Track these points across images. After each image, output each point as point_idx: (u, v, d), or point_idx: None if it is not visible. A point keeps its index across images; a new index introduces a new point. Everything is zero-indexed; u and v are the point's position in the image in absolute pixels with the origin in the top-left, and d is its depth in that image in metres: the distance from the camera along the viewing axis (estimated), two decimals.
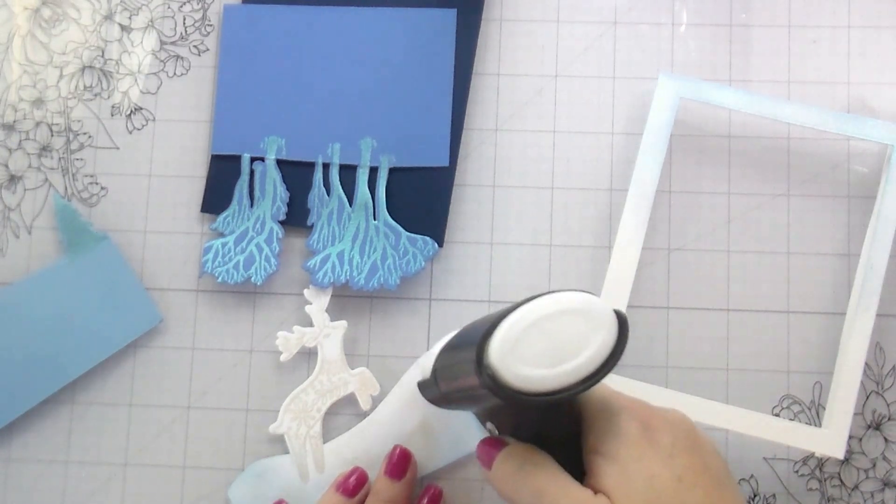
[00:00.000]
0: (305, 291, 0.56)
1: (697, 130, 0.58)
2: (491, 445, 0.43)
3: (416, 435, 0.55)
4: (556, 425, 0.41)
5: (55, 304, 0.57)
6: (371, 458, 0.55)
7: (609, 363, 0.37)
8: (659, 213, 0.57)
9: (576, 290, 0.37)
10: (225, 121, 0.59)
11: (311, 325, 0.56)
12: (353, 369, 0.56)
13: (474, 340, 0.37)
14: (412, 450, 0.54)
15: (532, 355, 0.36)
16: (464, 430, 0.54)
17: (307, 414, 0.55)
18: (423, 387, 0.46)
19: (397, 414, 0.55)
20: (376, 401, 0.56)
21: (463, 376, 0.38)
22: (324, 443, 0.55)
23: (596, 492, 0.38)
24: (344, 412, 0.56)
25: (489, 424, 0.44)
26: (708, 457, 0.40)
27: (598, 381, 0.37)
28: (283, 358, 0.56)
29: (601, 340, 0.37)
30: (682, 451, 0.39)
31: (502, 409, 0.41)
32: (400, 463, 0.53)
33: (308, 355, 0.57)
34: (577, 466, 0.40)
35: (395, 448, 0.53)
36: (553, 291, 0.37)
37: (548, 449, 0.41)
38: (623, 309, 0.53)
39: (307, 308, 0.56)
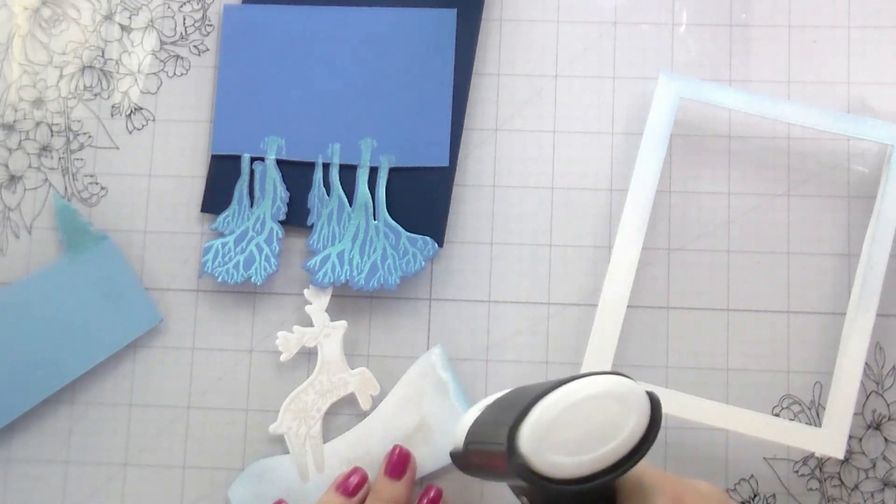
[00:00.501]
0: (305, 291, 0.56)
1: (697, 130, 0.58)
2: None
3: (416, 435, 0.55)
4: None
5: (55, 304, 0.57)
6: (371, 458, 0.55)
7: (642, 447, 0.36)
8: (659, 213, 0.57)
9: (608, 374, 0.36)
10: (225, 121, 0.59)
11: (311, 325, 0.56)
12: (353, 369, 0.56)
13: (506, 422, 0.36)
14: (412, 450, 0.54)
15: (564, 442, 0.35)
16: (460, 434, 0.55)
17: (307, 414, 0.55)
18: (455, 457, 0.45)
19: (397, 414, 0.55)
20: (376, 401, 0.56)
21: (494, 458, 0.38)
22: (324, 443, 0.55)
23: None
24: (344, 412, 0.56)
25: (523, 499, 0.43)
26: None
27: (632, 466, 0.36)
28: (283, 358, 0.56)
29: (633, 425, 0.36)
30: None
31: (539, 492, 0.40)
32: (399, 463, 0.53)
33: (308, 355, 0.57)
34: None
35: (394, 448, 0.53)
36: (585, 374, 0.36)
37: None
38: (623, 310, 0.53)
39: (307, 308, 0.56)
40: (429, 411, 0.55)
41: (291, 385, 0.57)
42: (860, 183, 0.57)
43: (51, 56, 0.61)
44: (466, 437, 0.43)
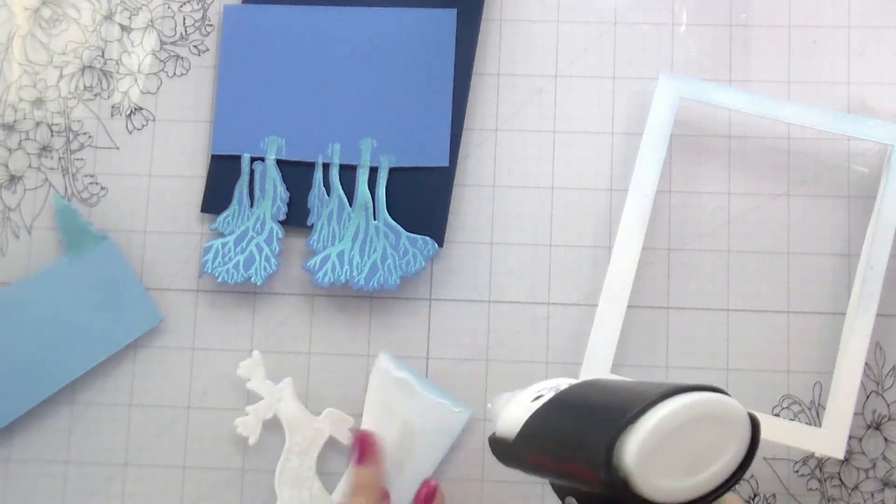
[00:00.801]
0: (239, 370, 0.56)
1: (697, 130, 0.58)
2: None
3: (405, 441, 0.54)
4: None
5: (55, 304, 0.57)
6: None
7: (742, 470, 0.34)
8: (659, 213, 0.57)
9: (711, 391, 0.34)
10: (225, 121, 0.59)
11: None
12: (319, 414, 0.55)
13: (600, 433, 0.33)
14: (406, 454, 0.53)
15: (667, 463, 0.33)
16: (445, 422, 0.54)
17: (301, 478, 0.55)
18: (499, 446, 0.42)
19: (379, 431, 0.54)
20: (356, 428, 0.56)
21: (573, 462, 0.35)
22: (329, 492, 0.55)
23: None
24: (332, 453, 0.56)
25: (570, 499, 0.40)
26: None
27: (730, 489, 0.34)
28: (251, 442, 0.55)
29: (736, 448, 0.34)
30: None
31: (599, 495, 0.37)
32: (362, 449, 0.50)
33: (308, 355, 0.57)
34: None
35: (355, 435, 0.51)
36: (688, 388, 0.34)
37: None
38: (623, 310, 0.53)
39: (248, 385, 0.56)
40: (406, 414, 0.55)
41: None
42: (860, 183, 0.57)
43: (51, 56, 0.61)
44: (522, 432, 0.40)
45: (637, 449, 0.32)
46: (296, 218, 0.58)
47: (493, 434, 0.43)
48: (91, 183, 0.60)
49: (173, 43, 0.61)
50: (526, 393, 0.42)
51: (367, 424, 0.55)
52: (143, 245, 0.59)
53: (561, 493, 0.40)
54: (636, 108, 0.59)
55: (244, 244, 0.57)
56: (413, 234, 0.57)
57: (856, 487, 0.55)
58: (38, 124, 0.60)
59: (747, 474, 0.55)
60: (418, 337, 0.57)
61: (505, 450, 0.41)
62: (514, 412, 0.41)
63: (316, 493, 0.55)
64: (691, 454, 0.33)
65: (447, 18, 0.59)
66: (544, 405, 0.39)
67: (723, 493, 0.34)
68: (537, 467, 0.39)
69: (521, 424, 0.40)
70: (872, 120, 0.55)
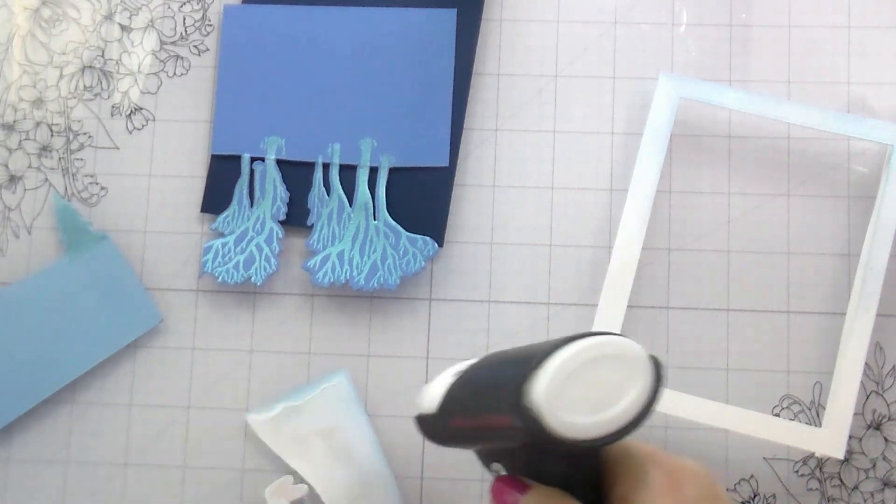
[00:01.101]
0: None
1: (697, 130, 0.58)
2: (512, 486, 0.41)
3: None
4: (576, 470, 0.40)
5: (55, 304, 0.57)
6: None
7: (647, 410, 0.36)
8: (659, 213, 0.57)
9: (611, 334, 0.36)
10: (225, 121, 0.59)
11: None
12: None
13: (510, 379, 0.35)
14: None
15: (575, 401, 0.35)
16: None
17: None
18: (424, 422, 0.44)
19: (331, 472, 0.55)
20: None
21: (492, 415, 0.37)
22: None
23: None
24: None
25: (496, 465, 0.42)
26: None
27: (636, 428, 0.36)
28: None
29: (640, 387, 0.36)
30: (706, 501, 0.39)
31: (519, 450, 0.40)
32: None
33: (308, 354, 0.57)
34: None
35: None
36: (588, 334, 0.36)
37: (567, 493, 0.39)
38: (623, 310, 0.53)
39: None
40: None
41: (290, 385, 0.57)
42: (860, 183, 0.57)
43: (51, 56, 0.61)
44: (444, 400, 0.42)
45: (545, 387, 0.34)
46: (296, 218, 0.58)
47: (419, 413, 0.45)
48: (91, 183, 0.60)
49: (173, 43, 0.61)
50: (446, 372, 0.44)
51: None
52: (143, 245, 0.59)
53: (486, 460, 0.42)
54: (636, 108, 0.59)
55: (244, 244, 0.57)
56: (413, 234, 0.57)
57: (856, 487, 0.55)
58: (38, 124, 0.60)
59: (746, 474, 0.55)
60: (418, 337, 0.57)
61: (430, 423, 0.44)
62: (434, 388, 0.43)
63: None
64: (597, 392, 0.35)
65: (447, 18, 0.59)
66: (461, 373, 0.42)
67: (630, 431, 0.36)
68: (460, 432, 0.41)
69: (442, 396, 0.42)
70: (872, 120, 0.55)
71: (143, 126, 0.60)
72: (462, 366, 0.43)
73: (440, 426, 0.43)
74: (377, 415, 0.56)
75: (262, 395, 0.57)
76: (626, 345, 0.36)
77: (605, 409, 0.35)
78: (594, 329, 0.53)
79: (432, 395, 0.43)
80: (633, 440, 0.40)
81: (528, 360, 0.35)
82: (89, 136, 0.60)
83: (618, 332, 0.37)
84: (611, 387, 0.36)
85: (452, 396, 0.41)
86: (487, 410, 0.38)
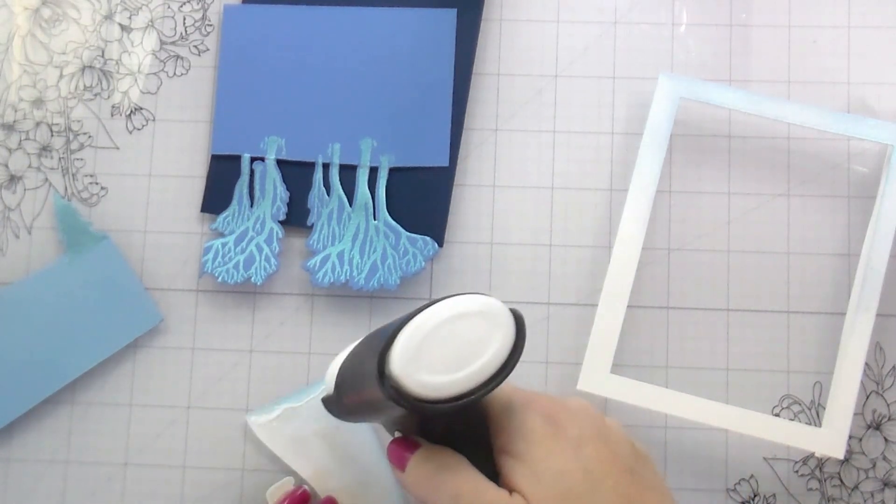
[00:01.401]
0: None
1: (697, 130, 0.58)
2: (403, 447, 0.42)
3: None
4: (465, 427, 0.41)
5: (55, 304, 0.57)
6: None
7: (509, 363, 0.37)
8: (659, 213, 0.57)
9: (471, 294, 0.37)
10: (225, 121, 0.59)
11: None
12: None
13: (374, 351, 0.36)
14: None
15: (433, 362, 0.36)
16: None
17: None
18: (328, 403, 0.46)
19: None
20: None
21: (366, 389, 0.38)
22: None
23: (511, 492, 0.38)
24: None
25: (397, 433, 0.44)
26: (616, 445, 0.40)
27: (500, 381, 0.37)
28: None
29: (500, 341, 0.37)
30: (589, 440, 0.39)
31: (409, 416, 0.40)
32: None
33: (308, 354, 0.57)
34: (489, 466, 0.40)
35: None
36: (450, 296, 0.37)
37: (459, 450, 0.40)
38: (623, 310, 0.53)
39: None
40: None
41: (291, 385, 0.57)
42: (860, 183, 0.57)
43: (51, 56, 0.61)
44: (336, 380, 0.43)
45: (399, 355, 0.35)
46: (296, 218, 0.58)
47: (323, 395, 0.46)
48: (91, 183, 0.60)
49: (173, 43, 0.61)
50: (344, 351, 0.45)
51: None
52: (143, 245, 0.59)
53: (390, 428, 0.44)
54: (636, 108, 0.59)
55: (244, 244, 0.57)
56: (413, 234, 0.57)
57: (856, 487, 0.55)
58: (38, 124, 0.60)
59: (746, 474, 0.55)
60: None
61: (330, 403, 0.45)
62: (331, 369, 0.45)
63: None
64: (456, 351, 0.36)
65: (447, 18, 0.59)
66: (349, 352, 0.43)
67: (492, 388, 0.36)
68: (353, 407, 0.42)
69: (335, 376, 0.43)
70: (872, 120, 0.55)
71: (143, 126, 0.60)
72: (354, 344, 0.44)
73: (337, 405, 0.44)
74: None
75: (262, 395, 0.57)
76: (482, 302, 0.37)
77: (465, 367, 0.36)
78: (593, 329, 0.53)
79: (330, 374, 0.44)
80: (517, 390, 0.41)
81: (388, 332, 0.36)
82: (89, 136, 0.60)
83: (476, 291, 0.38)
84: (471, 344, 0.36)
85: (342, 375, 0.43)
86: (362, 385, 0.39)
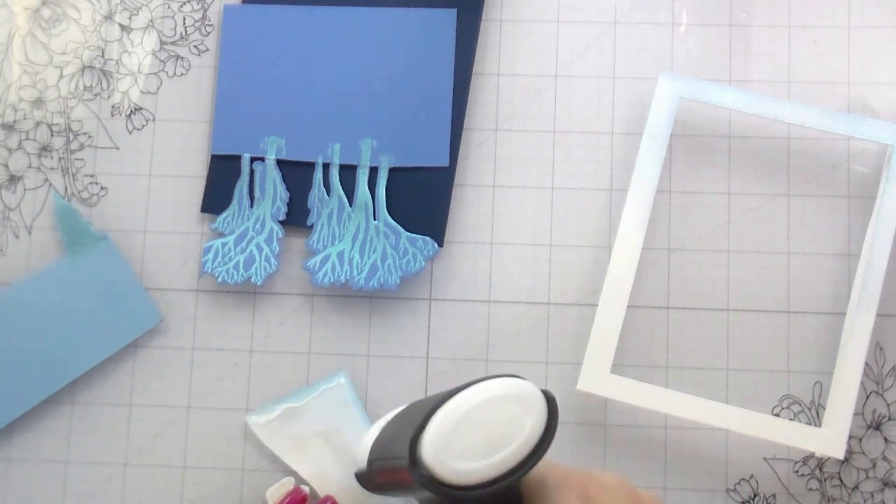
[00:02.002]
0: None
1: (697, 130, 0.58)
2: None
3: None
4: None
5: (55, 304, 0.57)
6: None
7: (542, 446, 0.37)
8: (659, 213, 0.57)
9: (503, 376, 0.37)
10: (225, 121, 0.59)
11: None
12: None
13: (407, 436, 0.36)
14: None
15: (466, 448, 0.35)
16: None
17: None
18: (360, 478, 0.45)
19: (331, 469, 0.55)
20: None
21: (399, 473, 0.38)
22: None
23: None
24: None
25: None
26: None
27: (533, 465, 0.36)
28: None
29: (532, 424, 0.36)
30: None
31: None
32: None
33: (308, 355, 0.57)
34: None
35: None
36: (482, 379, 0.37)
37: None
38: (623, 310, 0.53)
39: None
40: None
41: (290, 385, 0.57)
42: (860, 183, 0.57)
43: (51, 56, 0.61)
44: (370, 457, 0.43)
45: (430, 442, 0.35)
46: (296, 218, 0.58)
47: (356, 471, 0.46)
48: (91, 183, 0.60)
49: (173, 43, 0.61)
50: (377, 423, 0.45)
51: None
52: (143, 245, 0.59)
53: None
54: (636, 108, 0.59)
55: (244, 244, 0.57)
56: (413, 234, 0.57)
57: (856, 487, 0.55)
58: (38, 124, 0.60)
59: (746, 474, 0.55)
60: (418, 337, 0.57)
61: (364, 479, 0.45)
62: (364, 443, 0.45)
63: None
64: (487, 436, 0.36)
65: (447, 18, 0.59)
66: (381, 431, 0.43)
67: (525, 472, 0.36)
68: (387, 486, 0.42)
69: (368, 452, 0.43)
70: (872, 120, 0.55)
71: (143, 126, 0.60)
72: (390, 415, 0.44)
73: (371, 482, 0.44)
74: (377, 415, 0.56)
75: (262, 395, 0.57)
76: (512, 385, 0.37)
77: (497, 452, 0.36)
78: (593, 329, 0.53)
79: (363, 450, 0.44)
80: (552, 465, 0.40)
81: (419, 417, 0.36)
82: (89, 136, 0.60)
83: (509, 373, 0.38)
84: (502, 429, 0.36)
85: (374, 453, 0.43)
86: (394, 468, 0.38)
